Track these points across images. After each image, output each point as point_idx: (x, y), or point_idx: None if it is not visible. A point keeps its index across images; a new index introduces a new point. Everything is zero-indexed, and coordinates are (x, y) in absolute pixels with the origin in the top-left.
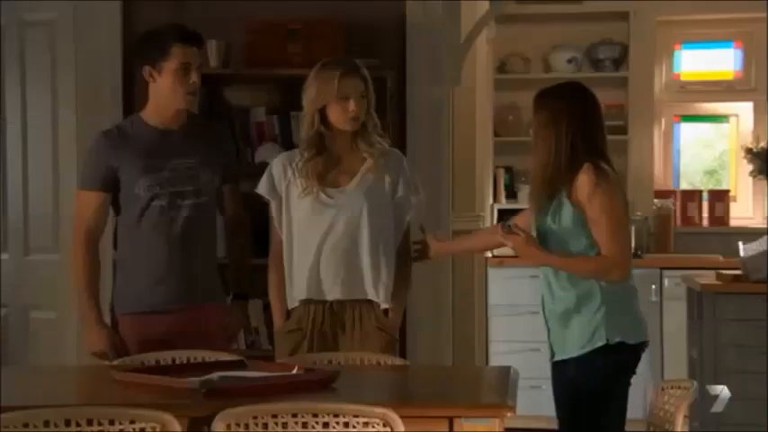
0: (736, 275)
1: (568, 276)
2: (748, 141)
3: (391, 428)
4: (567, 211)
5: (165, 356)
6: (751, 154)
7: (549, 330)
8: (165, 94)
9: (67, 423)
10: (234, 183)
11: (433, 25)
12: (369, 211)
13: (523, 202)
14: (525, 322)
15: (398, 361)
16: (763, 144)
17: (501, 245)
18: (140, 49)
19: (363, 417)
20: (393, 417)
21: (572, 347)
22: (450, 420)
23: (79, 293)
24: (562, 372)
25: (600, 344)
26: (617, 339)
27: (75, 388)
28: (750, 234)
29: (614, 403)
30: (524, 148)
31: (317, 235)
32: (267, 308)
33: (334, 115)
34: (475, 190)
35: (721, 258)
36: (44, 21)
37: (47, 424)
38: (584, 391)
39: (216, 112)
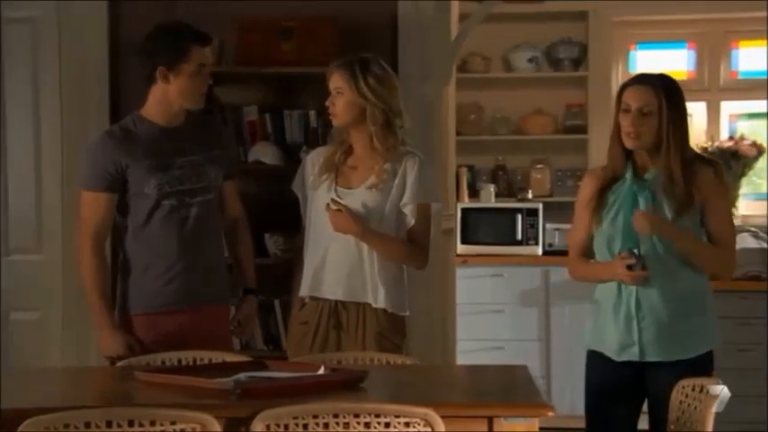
0: None
1: (686, 280)
2: (702, 141)
3: (432, 428)
4: (693, 209)
5: (171, 357)
6: (705, 153)
7: (639, 331)
8: (180, 95)
9: (109, 424)
10: (236, 179)
11: (424, 24)
12: (372, 216)
13: (486, 200)
14: (487, 321)
15: (408, 360)
16: (716, 143)
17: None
18: (153, 50)
19: (405, 417)
20: (434, 417)
21: (684, 350)
22: (490, 420)
23: (90, 297)
24: (652, 373)
25: (710, 347)
26: (718, 343)
27: (93, 389)
28: None
29: None
30: (486, 146)
31: (325, 234)
32: (261, 307)
33: None
34: (447, 189)
35: None
36: (26, 18)
37: (87, 425)
38: None
39: (208, 111)
